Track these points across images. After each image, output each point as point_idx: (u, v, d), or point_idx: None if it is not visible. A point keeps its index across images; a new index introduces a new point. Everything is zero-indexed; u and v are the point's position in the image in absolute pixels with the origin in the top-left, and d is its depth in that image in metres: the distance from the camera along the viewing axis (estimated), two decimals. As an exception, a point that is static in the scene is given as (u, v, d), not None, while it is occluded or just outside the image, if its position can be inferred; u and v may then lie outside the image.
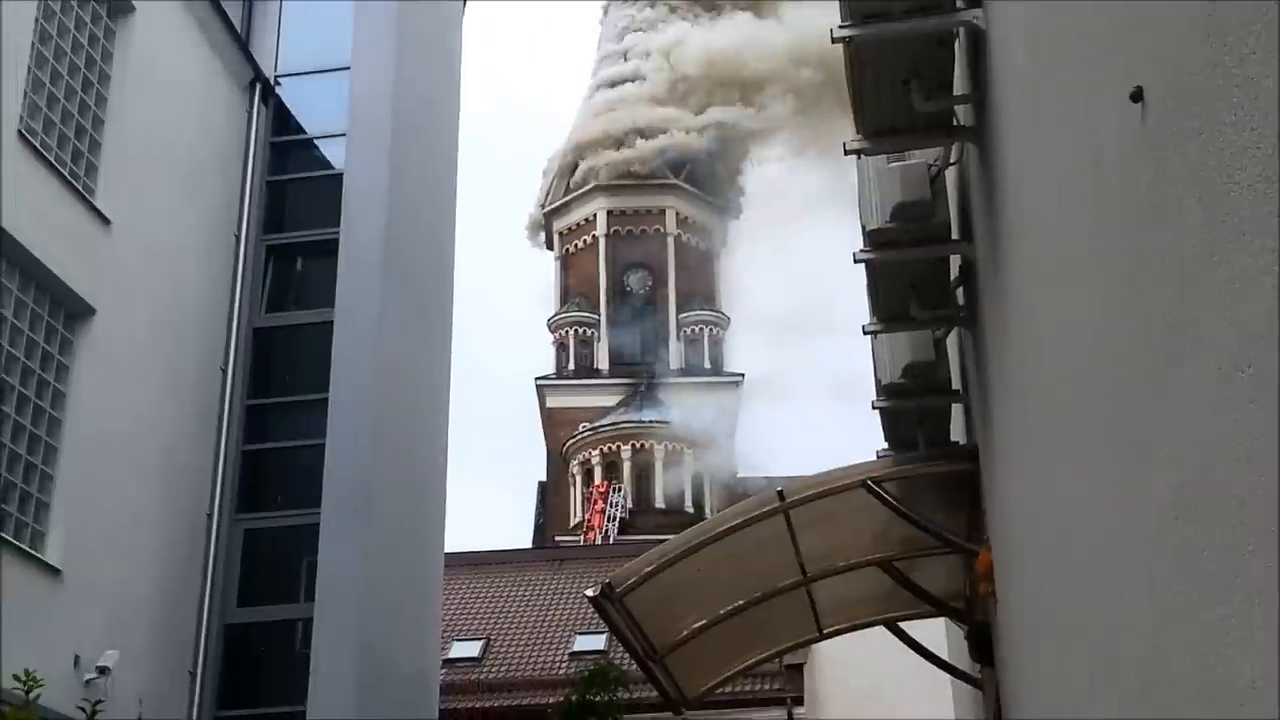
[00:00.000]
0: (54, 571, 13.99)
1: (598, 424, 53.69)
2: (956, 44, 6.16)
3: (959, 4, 5.82)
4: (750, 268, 69.41)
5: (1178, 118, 2.41)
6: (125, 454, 15.51)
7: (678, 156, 58.92)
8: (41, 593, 13.78)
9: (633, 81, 61.07)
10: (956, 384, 8.87)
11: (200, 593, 16.93)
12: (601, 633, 24.88)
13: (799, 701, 23.85)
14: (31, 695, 10.08)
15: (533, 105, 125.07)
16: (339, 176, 19.27)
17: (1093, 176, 3.29)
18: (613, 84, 61.93)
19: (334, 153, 20.11)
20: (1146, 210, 2.70)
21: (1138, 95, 2.67)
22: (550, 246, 61.34)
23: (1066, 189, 3.79)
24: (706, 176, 59.68)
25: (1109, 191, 3.09)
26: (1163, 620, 2.79)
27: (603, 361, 56.52)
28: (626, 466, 52.75)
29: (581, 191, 59.81)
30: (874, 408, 9.05)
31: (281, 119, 20.26)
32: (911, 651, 11.09)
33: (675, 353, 56.35)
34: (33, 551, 13.77)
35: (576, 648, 28.82)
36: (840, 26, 5.79)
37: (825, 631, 10.82)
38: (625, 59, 62.94)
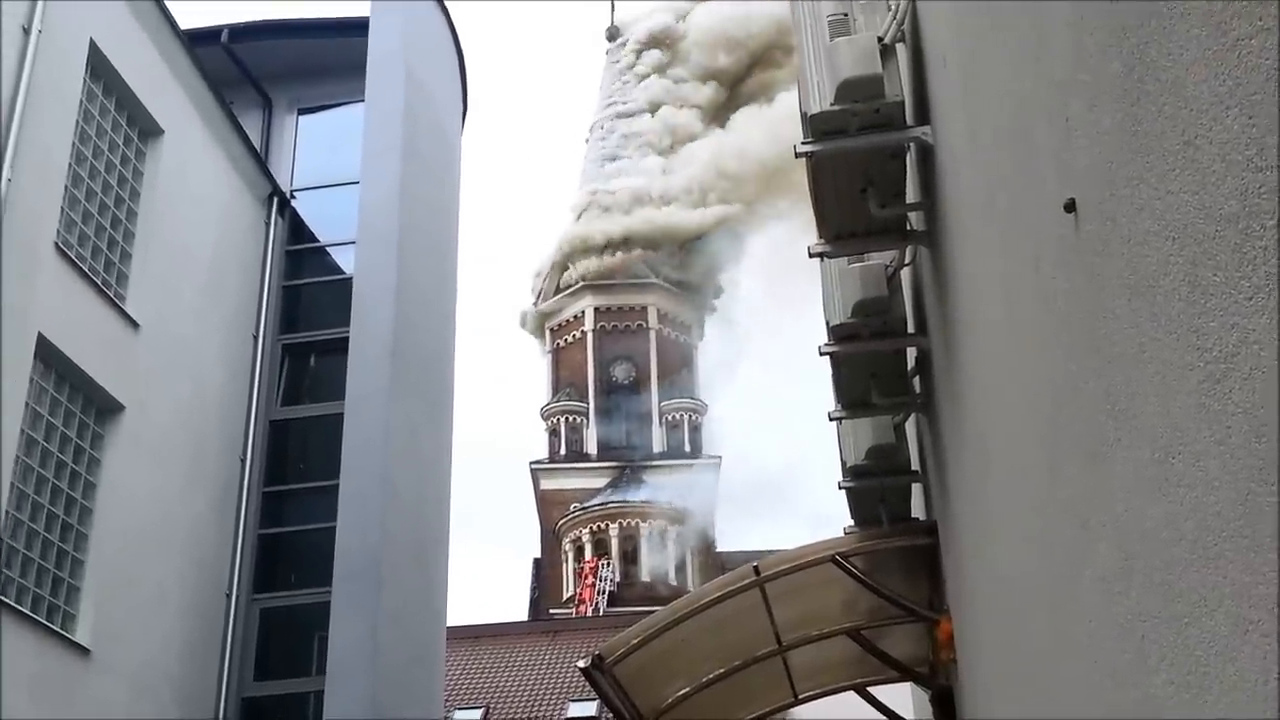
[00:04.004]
0: (83, 651, 13.79)
1: (588, 504, 53.48)
2: (908, 157, 6.24)
3: (909, 122, 5.90)
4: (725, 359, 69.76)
5: (1108, 227, 2.45)
6: (151, 539, 15.37)
7: (658, 259, 59.54)
8: (72, 671, 13.56)
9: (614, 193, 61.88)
10: (915, 465, 8.86)
11: (219, 668, 16.68)
12: (593, 699, 24.53)
13: (778, 761, 23.49)
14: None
15: (527, 210, 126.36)
16: (349, 281, 19.34)
17: (1033, 278, 3.32)
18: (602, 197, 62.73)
19: (344, 259, 20.21)
20: (1083, 309, 2.72)
21: (1071, 206, 2.70)
22: (543, 341, 61.54)
23: (1010, 288, 3.82)
24: (685, 276, 60.19)
25: (1048, 291, 3.12)
26: (1108, 686, 2.77)
27: (591, 446, 56.45)
28: (614, 543, 52.44)
29: (571, 290, 60.15)
30: (840, 487, 9.03)
31: (296, 229, 20.38)
32: (880, 715, 10.95)
33: (658, 437, 56.34)
34: (64, 633, 13.57)
35: (570, 714, 28.45)
36: (803, 143, 5.86)
37: (800, 696, 10.68)
38: (614, 160, 63.80)
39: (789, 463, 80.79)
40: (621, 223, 60.28)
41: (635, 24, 67.51)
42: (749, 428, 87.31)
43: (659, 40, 65.93)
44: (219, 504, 17.25)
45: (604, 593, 50.40)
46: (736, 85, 62.60)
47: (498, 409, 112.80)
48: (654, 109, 64.07)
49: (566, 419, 56.63)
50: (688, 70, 64.36)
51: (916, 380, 7.86)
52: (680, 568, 52.12)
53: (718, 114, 62.62)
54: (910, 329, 7.37)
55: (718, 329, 61.58)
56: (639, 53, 66.27)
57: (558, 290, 60.95)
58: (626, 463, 55.00)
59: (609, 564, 51.80)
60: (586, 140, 68.19)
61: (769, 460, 75.41)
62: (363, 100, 20.08)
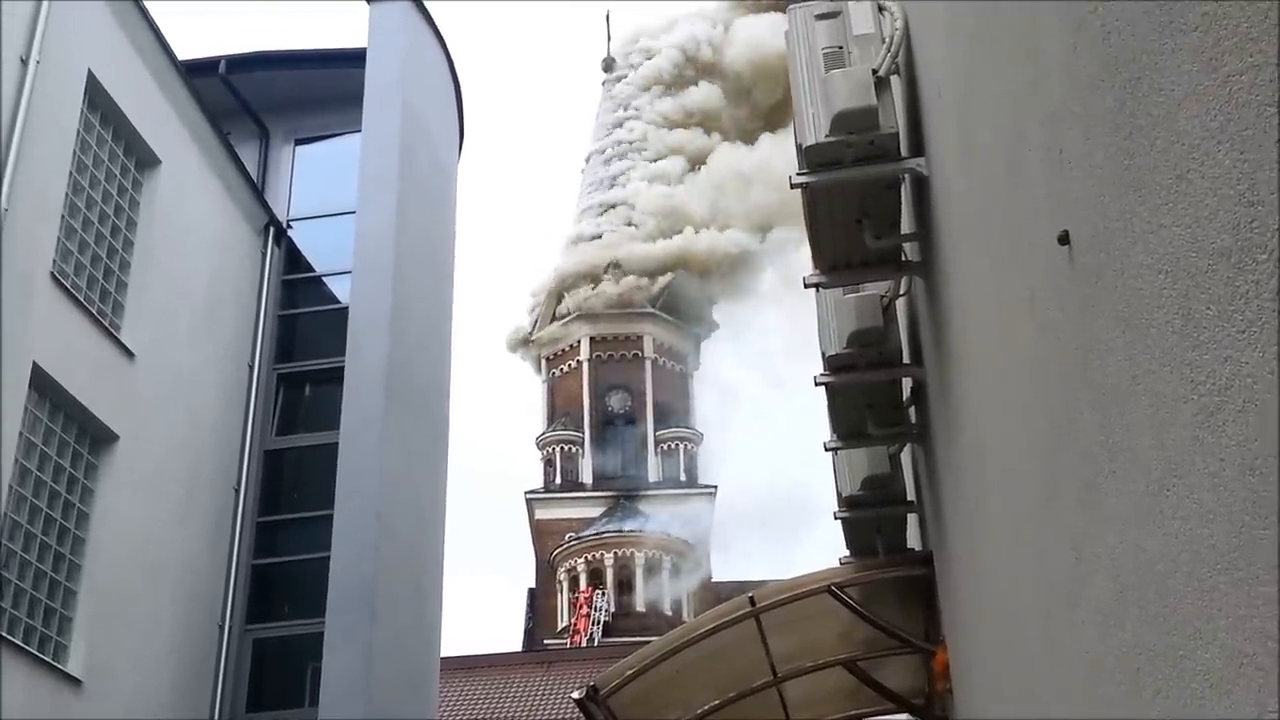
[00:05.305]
0: (75, 682, 13.70)
1: (583, 534, 53.30)
2: (903, 188, 6.27)
3: (904, 153, 5.93)
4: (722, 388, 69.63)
5: (1101, 259, 2.46)
6: (144, 569, 15.30)
7: (653, 289, 59.45)
8: (63, 702, 13.47)
9: (613, 224, 61.77)
10: (911, 495, 8.86)
11: (212, 700, 16.57)
12: (588, 731, 24.39)
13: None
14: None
15: (521, 239, 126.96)
16: (344, 310, 19.33)
17: (1027, 308, 3.33)
18: (597, 222, 62.67)
19: (340, 288, 20.22)
20: (1078, 341, 2.73)
21: (1064, 239, 2.71)
22: (538, 371, 61.46)
23: (1005, 319, 3.83)
24: (681, 304, 60.11)
25: (1043, 322, 3.13)
26: (1104, 719, 2.76)
27: (587, 476, 56.30)
28: (609, 573, 52.24)
29: (567, 320, 60.13)
30: (836, 517, 9.02)
31: (292, 258, 20.39)
32: (877, 745, 10.88)
33: (653, 466, 56.19)
34: (55, 664, 13.49)
35: (565, 745, 28.24)
36: (798, 174, 5.89)
37: (796, 728, 10.62)
38: (609, 186, 63.71)
39: (789, 491, 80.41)
40: (617, 251, 60.08)
41: (664, 34, 66.46)
42: (750, 454, 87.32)
43: (692, 58, 65.08)
44: (213, 534, 17.19)
45: (599, 623, 50.19)
46: (771, 105, 61.27)
47: (494, 433, 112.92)
48: (686, 124, 63.37)
49: (562, 448, 56.52)
50: (725, 85, 63.45)
51: (912, 410, 7.86)
52: (675, 598, 51.93)
53: (748, 132, 61.91)
54: (905, 359, 7.38)
55: (721, 354, 61.53)
56: (678, 65, 64.96)
57: (553, 319, 60.91)
58: (622, 492, 54.87)
59: (604, 594, 51.60)
60: (583, 170, 68.27)
61: (768, 488, 75.17)
62: (359, 131, 20.14)
